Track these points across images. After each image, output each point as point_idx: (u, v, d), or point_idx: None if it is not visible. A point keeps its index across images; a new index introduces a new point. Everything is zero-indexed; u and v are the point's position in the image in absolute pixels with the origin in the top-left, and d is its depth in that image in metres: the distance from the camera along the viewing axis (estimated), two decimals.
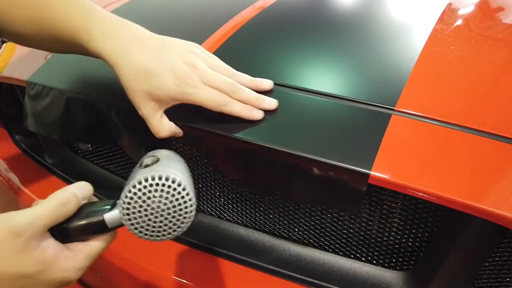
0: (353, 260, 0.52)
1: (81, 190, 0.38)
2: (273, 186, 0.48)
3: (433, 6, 0.65)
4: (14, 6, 0.44)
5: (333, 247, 0.53)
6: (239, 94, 0.44)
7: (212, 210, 0.60)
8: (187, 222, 0.38)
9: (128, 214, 0.37)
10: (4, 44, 0.79)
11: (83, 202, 0.38)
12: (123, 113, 0.52)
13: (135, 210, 0.36)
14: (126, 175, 0.69)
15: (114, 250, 0.57)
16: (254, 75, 0.47)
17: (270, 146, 0.42)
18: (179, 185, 0.36)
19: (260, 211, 0.56)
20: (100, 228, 0.38)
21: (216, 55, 0.47)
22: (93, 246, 0.38)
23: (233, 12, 0.65)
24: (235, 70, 0.46)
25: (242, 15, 0.64)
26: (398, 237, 0.48)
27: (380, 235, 0.49)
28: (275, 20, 0.63)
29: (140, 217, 0.37)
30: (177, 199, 0.37)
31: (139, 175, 0.37)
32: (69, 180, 0.71)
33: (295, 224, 0.54)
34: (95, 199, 0.42)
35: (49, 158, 0.77)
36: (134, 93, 0.43)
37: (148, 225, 0.37)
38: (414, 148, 0.40)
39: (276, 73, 0.50)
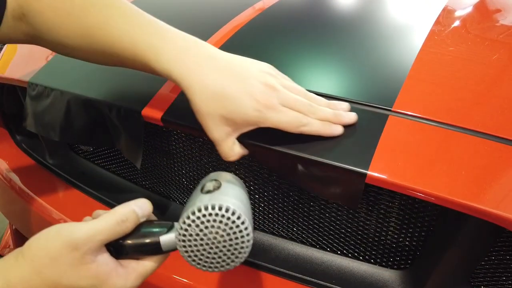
0: (351, 259, 0.52)
1: (141, 208, 0.38)
2: (285, 177, 0.49)
3: (431, 7, 0.65)
4: (66, 19, 0.42)
5: (331, 246, 0.53)
6: (317, 113, 0.41)
7: None
8: (241, 257, 0.37)
9: (184, 241, 0.36)
10: (6, 45, 0.79)
11: (142, 220, 0.38)
12: (123, 115, 0.52)
13: (191, 238, 0.36)
14: (126, 176, 0.70)
15: None
16: None
17: (275, 148, 0.43)
18: (238, 218, 0.35)
19: (259, 210, 0.56)
20: (155, 250, 0.38)
21: None
22: (146, 266, 0.38)
23: (233, 13, 0.65)
24: (307, 92, 0.44)
25: (242, 17, 0.64)
26: (395, 236, 0.49)
27: (378, 234, 0.49)
28: (275, 21, 0.63)
29: (195, 245, 0.36)
30: (234, 233, 0.35)
31: (199, 202, 0.36)
32: (69, 180, 0.71)
33: (293, 224, 0.55)
34: (153, 216, 0.41)
35: (50, 159, 0.77)
36: (207, 117, 0.40)
37: (202, 254, 0.36)
38: (411, 148, 0.41)
39: None
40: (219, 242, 0.36)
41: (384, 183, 0.39)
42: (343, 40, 0.57)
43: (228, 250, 0.36)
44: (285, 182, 0.52)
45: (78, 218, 0.63)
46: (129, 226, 0.37)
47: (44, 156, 0.78)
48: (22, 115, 0.66)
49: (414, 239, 0.48)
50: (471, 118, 0.43)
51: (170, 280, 0.53)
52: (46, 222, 0.66)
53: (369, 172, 0.39)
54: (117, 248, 0.37)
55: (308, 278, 0.50)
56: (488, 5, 0.70)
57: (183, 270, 0.53)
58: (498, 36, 0.58)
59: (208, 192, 0.38)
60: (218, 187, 0.38)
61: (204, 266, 0.37)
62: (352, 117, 0.43)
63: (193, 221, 0.35)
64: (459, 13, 0.64)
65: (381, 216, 0.48)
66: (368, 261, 0.52)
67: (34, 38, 0.45)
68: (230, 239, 0.36)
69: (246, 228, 0.36)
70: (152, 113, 0.50)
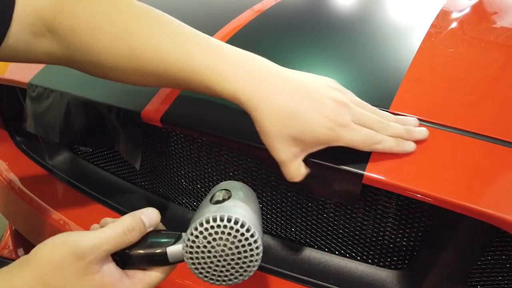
0: (349, 259, 0.53)
1: (148, 217, 0.37)
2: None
3: (428, 9, 0.66)
4: (108, 40, 0.39)
5: (329, 246, 0.54)
6: (389, 130, 0.39)
7: None
8: (250, 271, 0.36)
9: (191, 253, 0.35)
10: None
11: (149, 230, 0.37)
12: (122, 116, 0.53)
13: (199, 250, 0.35)
14: (125, 177, 0.70)
15: None
16: None
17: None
18: (247, 230, 0.34)
19: None
20: (162, 261, 0.37)
21: None
22: (152, 277, 0.37)
23: (232, 15, 0.66)
24: (373, 106, 0.42)
25: (241, 18, 0.64)
26: (393, 236, 0.49)
27: (375, 234, 0.50)
28: (273, 23, 0.64)
29: (203, 258, 0.35)
30: (243, 245, 0.34)
31: (208, 213, 0.34)
32: (69, 181, 0.71)
33: (291, 224, 0.55)
34: (162, 226, 0.41)
35: (50, 160, 0.77)
36: (275, 139, 0.37)
37: (210, 267, 0.35)
38: None
39: None
40: (227, 255, 0.34)
41: (381, 183, 0.39)
42: (340, 42, 0.57)
43: (237, 264, 0.35)
44: (284, 182, 0.52)
45: (77, 219, 0.63)
46: (135, 236, 0.36)
47: (43, 157, 0.78)
48: (22, 116, 0.66)
49: (411, 239, 0.48)
50: (468, 119, 0.43)
51: (170, 282, 0.53)
52: (46, 223, 0.67)
53: (366, 173, 0.39)
54: (124, 258, 0.36)
55: (306, 278, 0.51)
56: (485, 7, 0.70)
57: (179, 269, 0.53)
58: (494, 38, 0.58)
59: (217, 202, 0.36)
60: (228, 198, 0.37)
61: (212, 279, 0.36)
62: (424, 133, 0.40)
63: (201, 232, 0.34)
64: (456, 15, 0.65)
65: (378, 216, 0.48)
66: (366, 261, 0.52)
67: (64, 59, 0.42)
68: (239, 252, 0.34)
69: (255, 241, 0.34)
70: (151, 114, 0.50)
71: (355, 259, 0.53)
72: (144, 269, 0.37)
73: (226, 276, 0.36)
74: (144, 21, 0.40)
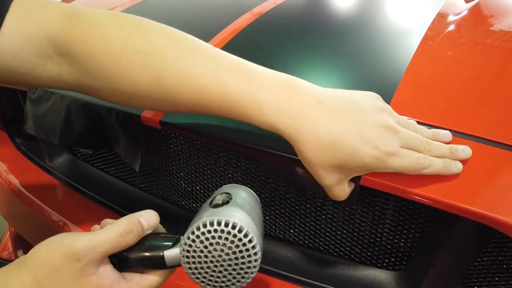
0: (347, 261, 0.53)
1: (147, 220, 0.36)
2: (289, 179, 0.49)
3: (425, 12, 0.66)
4: (130, 68, 0.37)
5: (327, 248, 0.54)
6: (434, 151, 0.37)
7: None
8: (248, 277, 0.35)
9: (187, 257, 0.34)
10: None
11: (147, 232, 0.37)
12: (122, 118, 0.53)
13: (195, 255, 0.34)
14: (125, 178, 0.70)
15: None
16: None
17: (274, 152, 0.43)
18: (245, 235, 0.33)
19: None
20: (159, 264, 0.36)
21: None
22: (150, 280, 0.36)
23: (231, 17, 0.66)
24: (413, 122, 0.40)
25: (241, 21, 0.65)
26: (390, 238, 0.49)
27: (373, 236, 0.50)
28: (272, 26, 0.64)
29: (200, 262, 0.34)
30: (241, 251, 0.33)
31: (205, 217, 0.34)
32: (69, 183, 0.72)
33: (290, 226, 0.55)
34: (162, 228, 0.40)
35: (49, 161, 0.77)
36: (318, 167, 0.36)
37: (207, 272, 0.34)
38: None
39: None
40: (224, 260, 0.34)
41: (378, 185, 0.40)
42: (338, 45, 0.58)
43: (234, 270, 0.34)
44: (282, 184, 0.52)
45: (77, 220, 0.64)
46: (133, 238, 0.35)
47: (43, 159, 0.79)
48: (22, 118, 0.66)
49: (409, 240, 0.48)
50: (465, 122, 0.43)
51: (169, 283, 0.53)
52: (45, 225, 0.67)
53: (363, 175, 0.39)
54: (121, 261, 0.36)
55: (305, 279, 0.51)
56: (482, 10, 0.70)
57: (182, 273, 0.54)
58: (492, 41, 0.59)
59: (217, 206, 0.36)
60: (228, 201, 0.36)
61: (209, 284, 0.35)
62: (468, 153, 0.38)
63: (198, 236, 0.33)
64: (453, 17, 0.65)
65: (376, 218, 0.49)
66: (364, 262, 0.52)
67: (76, 84, 0.39)
68: (236, 258, 0.33)
69: (253, 247, 0.33)
70: (151, 116, 0.50)
71: (353, 260, 0.53)
72: (142, 272, 0.37)
73: (223, 282, 0.35)
74: (169, 45, 0.37)
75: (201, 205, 0.61)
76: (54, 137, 0.61)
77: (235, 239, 0.33)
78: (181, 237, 0.35)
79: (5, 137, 0.85)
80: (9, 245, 1.01)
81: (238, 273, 0.34)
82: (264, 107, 0.35)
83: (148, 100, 0.39)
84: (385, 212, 0.48)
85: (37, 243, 0.35)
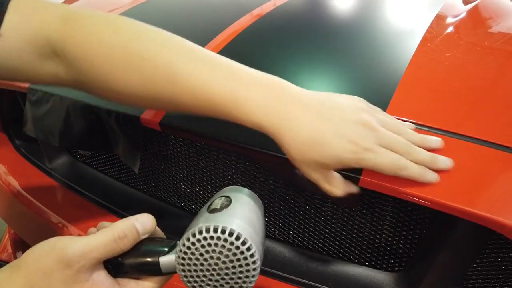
0: (346, 262, 0.53)
1: (142, 224, 0.35)
2: (287, 180, 0.50)
3: (424, 14, 0.66)
4: (122, 69, 0.38)
5: (326, 249, 0.54)
6: (414, 155, 0.38)
7: None
8: (247, 287, 0.33)
9: (183, 265, 0.33)
10: None
11: (143, 237, 0.35)
12: (122, 120, 0.53)
13: (191, 262, 0.32)
14: (124, 180, 0.71)
15: None
16: None
17: (274, 154, 0.43)
18: (243, 243, 0.31)
19: None
20: (154, 271, 0.35)
21: None
22: (145, 287, 0.35)
23: (231, 19, 0.66)
24: (401, 125, 0.40)
25: (241, 22, 0.65)
26: (389, 239, 0.49)
27: (372, 237, 0.50)
28: (272, 28, 0.64)
29: (195, 270, 0.33)
30: (238, 259, 0.32)
31: (202, 223, 0.32)
32: (68, 184, 0.72)
33: (289, 227, 0.55)
34: (160, 232, 0.39)
35: (49, 163, 0.77)
36: (303, 164, 0.38)
37: (203, 281, 0.33)
38: None
39: None
40: (221, 268, 0.32)
41: (377, 186, 0.40)
42: (337, 46, 0.58)
43: (231, 279, 0.32)
44: (281, 185, 0.52)
45: (76, 222, 0.64)
46: (127, 243, 0.34)
47: (43, 160, 0.79)
48: (21, 120, 0.66)
49: (408, 241, 0.48)
50: (463, 123, 0.43)
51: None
52: (45, 227, 0.67)
53: (362, 177, 0.40)
54: (116, 266, 0.35)
55: (304, 281, 0.51)
56: (481, 12, 0.71)
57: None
58: (490, 43, 0.59)
59: (215, 210, 0.34)
60: (226, 206, 0.34)
61: None
62: (448, 164, 0.39)
63: (193, 243, 0.32)
64: (451, 19, 0.66)
65: (375, 219, 0.49)
66: (363, 264, 0.52)
67: (73, 83, 0.41)
68: (234, 267, 0.32)
69: (252, 255, 0.32)
70: (151, 117, 0.50)
71: (353, 261, 0.53)
72: (137, 278, 0.36)
73: None
74: (161, 49, 0.38)
75: (201, 207, 0.61)
76: (53, 139, 0.61)
77: (232, 247, 0.31)
78: (178, 242, 0.34)
79: (4, 139, 0.85)
80: (8, 246, 1.01)
81: (236, 282, 0.33)
82: (251, 107, 0.37)
83: (142, 99, 0.40)
84: (384, 213, 0.48)
85: None
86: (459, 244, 0.44)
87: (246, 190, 0.39)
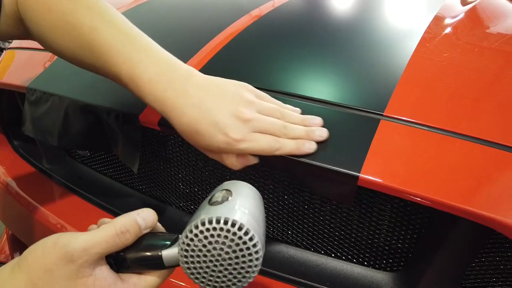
0: (345, 262, 0.53)
1: (144, 219, 0.36)
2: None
3: (423, 14, 0.67)
4: (62, 36, 0.44)
5: (325, 249, 0.54)
6: (290, 133, 0.42)
7: None
8: (249, 277, 0.33)
9: (186, 257, 0.33)
10: (4, 51, 0.80)
11: (145, 231, 0.36)
12: (121, 119, 0.53)
13: (194, 254, 0.33)
14: (123, 180, 0.70)
15: None
16: (249, 81, 0.49)
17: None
18: (246, 233, 0.32)
19: None
20: (157, 265, 0.35)
21: (211, 64, 0.48)
22: (148, 281, 0.36)
23: (229, 20, 0.66)
24: (284, 108, 0.45)
25: (239, 24, 0.65)
26: (388, 238, 0.49)
27: (371, 237, 0.50)
28: (271, 29, 0.64)
29: (199, 262, 0.33)
30: (241, 250, 0.32)
31: (204, 215, 0.33)
32: (66, 185, 0.71)
33: (288, 227, 0.55)
34: (161, 227, 0.40)
35: (47, 164, 0.77)
36: (204, 150, 0.44)
37: (206, 272, 0.33)
38: (402, 152, 0.42)
39: (269, 80, 0.52)
40: (224, 259, 0.32)
41: (376, 185, 0.40)
42: (335, 46, 0.58)
43: (234, 269, 0.33)
44: (280, 186, 0.52)
45: (75, 222, 0.64)
46: (129, 238, 0.35)
47: (41, 161, 0.79)
48: (20, 120, 0.66)
49: (406, 241, 0.48)
50: (462, 122, 0.43)
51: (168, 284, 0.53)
52: (43, 227, 0.67)
53: (361, 175, 0.40)
54: (118, 261, 0.35)
55: (303, 281, 0.51)
56: (479, 13, 0.71)
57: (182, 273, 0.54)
58: (488, 43, 0.59)
59: (216, 203, 0.34)
60: (227, 198, 0.35)
61: (208, 285, 0.34)
62: (323, 134, 0.43)
63: (196, 235, 0.32)
64: (450, 20, 0.66)
65: (374, 218, 0.49)
66: (362, 264, 0.52)
67: (23, 37, 0.49)
68: (236, 257, 0.32)
69: (254, 245, 0.32)
70: (150, 117, 0.51)
71: (351, 261, 0.53)
72: (140, 273, 0.36)
73: (223, 282, 0.34)
74: (91, 18, 0.43)
75: (190, 204, 0.61)
76: (52, 139, 0.61)
77: (235, 237, 0.32)
78: (180, 235, 0.35)
79: (3, 139, 0.85)
80: (6, 248, 1.01)
81: (239, 273, 0.33)
82: (145, 93, 0.42)
83: (76, 62, 0.47)
84: (383, 213, 0.48)
85: None
86: (458, 244, 0.44)
87: (245, 183, 0.39)
